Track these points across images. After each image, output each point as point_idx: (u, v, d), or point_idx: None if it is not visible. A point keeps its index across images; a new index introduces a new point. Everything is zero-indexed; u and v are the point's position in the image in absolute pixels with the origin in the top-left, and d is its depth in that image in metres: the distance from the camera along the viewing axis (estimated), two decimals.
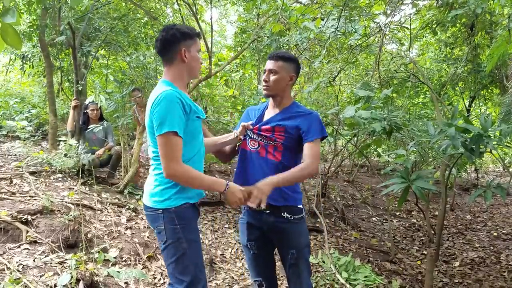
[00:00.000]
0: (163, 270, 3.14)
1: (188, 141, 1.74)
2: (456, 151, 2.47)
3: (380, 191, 7.54)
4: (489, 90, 7.80)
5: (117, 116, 5.16)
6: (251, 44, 5.61)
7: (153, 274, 3.08)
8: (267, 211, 1.98)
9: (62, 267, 2.64)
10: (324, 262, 3.60)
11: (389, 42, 6.26)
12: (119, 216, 3.82)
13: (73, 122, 4.87)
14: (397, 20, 5.41)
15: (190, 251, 1.75)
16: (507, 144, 2.67)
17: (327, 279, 3.32)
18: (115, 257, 3.05)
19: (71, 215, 3.20)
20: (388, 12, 4.49)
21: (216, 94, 7.13)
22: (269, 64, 2.02)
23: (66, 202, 3.55)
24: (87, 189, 4.19)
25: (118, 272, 2.59)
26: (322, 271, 3.56)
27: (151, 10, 5.77)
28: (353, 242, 5.02)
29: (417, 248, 5.25)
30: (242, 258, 3.88)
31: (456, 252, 5.28)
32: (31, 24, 5.62)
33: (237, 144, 2.18)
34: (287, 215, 1.97)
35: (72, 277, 2.42)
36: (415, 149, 3.97)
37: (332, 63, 5.45)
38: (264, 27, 5.34)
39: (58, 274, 2.53)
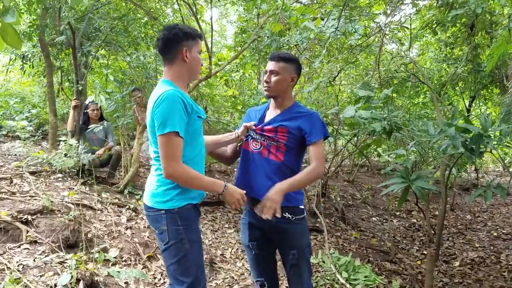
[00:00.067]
0: (163, 270, 3.14)
1: (189, 141, 1.74)
2: (456, 151, 2.47)
3: (380, 191, 7.55)
4: (489, 90, 7.80)
5: (117, 116, 5.16)
6: (251, 44, 5.61)
7: (153, 274, 3.08)
8: None
9: (62, 267, 2.64)
10: (324, 262, 3.60)
11: (389, 42, 6.26)
12: (119, 216, 3.82)
13: (73, 122, 4.87)
14: (397, 20, 5.42)
15: (192, 252, 1.75)
16: (507, 144, 2.67)
17: (327, 279, 3.32)
18: (115, 257, 3.05)
19: (71, 215, 3.20)
20: (388, 12, 4.49)
21: (216, 94, 7.13)
22: (270, 65, 2.02)
23: (66, 202, 3.56)
24: (87, 189, 4.19)
25: (118, 272, 2.59)
26: (322, 271, 3.56)
27: (151, 10, 5.77)
28: (353, 242, 5.02)
29: (417, 248, 5.25)
30: (242, 258, 3.88)
31: (456, 252, 5.28)
32: (31, 24, 5.62)
33: (239, 145, 2.18)
34: (289, 216, 1.97)
35: (72, 277, 2.42)
36: (415, 149, 3.97)
37: (332, 63, 5.45)
38: (264, 27, 5.34)
39: (58, 274, 2.53)
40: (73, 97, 5.12)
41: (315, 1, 5.08)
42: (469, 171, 9.15)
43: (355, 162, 9.02)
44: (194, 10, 5.27)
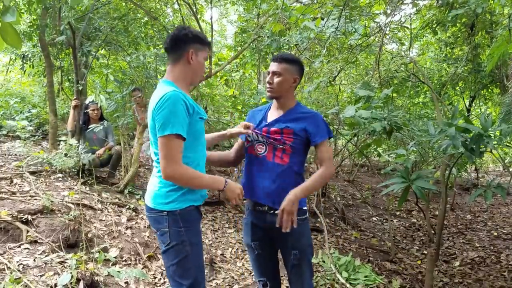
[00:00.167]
0: (163, 270, 3.14)
1: (191, 143, 1.74)
2: (456, 151, 2.47)
3: (380, 191, 7.55)
4: (489, 90, 7.79)
5: (117, 116, 5.17)
6: (251, 44, 5.62)
7: (153, 274, 3.09)
8: (271, 212, 1.99)
9: (62, 266, 2.64)
10: (324, 261, 3.60)
11: (389, 41, 6.26)
12: (119, 215, 3.82)
13: (73, 122, 4.87)
14: (397, 20, 5.41)
15: (192, 254, 1.74)
16: (507, 144, 2.67)
17: (327, 278, 3.32)
18: (115, 257, 3.05)
19: (71, 215, 3.20)
20: (388, 11, 4.48)
21: (216, 94, 7.13)
22: (273, 66, 2.02)
23: (66, 201, 3.56)
24: (87, 188, 4.19)
25: (119, 271, 2.59)
26: (322, 271, 3.56)
27: (151, 10, 5.77)
28: (353, 241, 5.03)
29: (417, 248, 5.25)
30: (242, 258, 3.88)
31: (456, 251, 5.28)
32: (31, 23, 5.62)
33: (244, 146, 2.18)
34: None
35: (72, 276, 2.42)
36: (415, 149, 3.97)
37: (332, 62, 5.45)
38: (264, 27, 5.34)
39: (59, 274, 2.54)
40: (73, 97, 5.12)
41: (315, 1, 5.08)
42: (469, 171, 9.16)
43: (355, 162, 9.02)
44: (194, 10, 5.27)
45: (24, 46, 6.72)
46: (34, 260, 2.66)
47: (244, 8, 6.84)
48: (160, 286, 2.94)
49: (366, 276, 3.36)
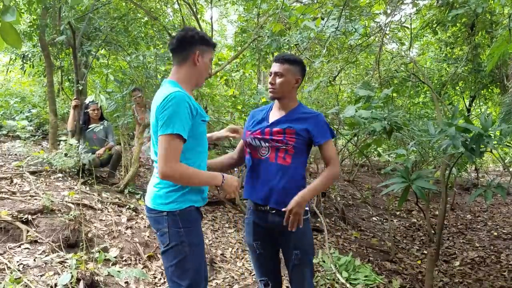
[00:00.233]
0: (164, 270, 3.14)
1: (193, 144, 1.74)
2: (457, 150, 2.47)
3: (380, 191, 7.54)
4: (489, 90, 7.79)
5: (117, 116, 5.17)
6: (251, 44, 5.62)
7: (153, 274, 3.09)
8: (273, 211, 2.00)
9: (62, 266, 2.64)
10: (324, 261, 3.60)
11: (389, 41, 6.26)
12: (119, 215, 3.82)
13: (73, 122, 4.87)
14: (397, 20, 5.41)
15: (191, 255, 1.73)
16: (508, 144, 2.66)
17: (327, 278, 3.32)
18: (115, 257, 3.05)
19: (71, 215, 3.20)
20: (389, 11, 4.48)
21: (216, 94, 7.13)
22: (275, 67, 2.03)
23: (66, 201, 3.56)
24: (87, 188, 4.19)
25: (119, 271, 2.59)
26: (323, 271, 3.56)
27: (151, 10, 5.77)
28: (353, 241, 5.03)
29: (418, 248, 5.25)
30: (242, 258, 3.88)
31: (456, 251, 5.28)
32: (31, 23, 5.62)
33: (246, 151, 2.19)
34: None
35: (72, 276, 2.42)
36: (415, 149, 3.97)
37: (332, 62, 5.45)
38: (264, 27, 5.34)
39: (59, 274, 2.54)
40: (73, 97, 5.12)
41: (315, 1, 5.08)
42: (469, 170, 9.16)
43: (355, 161, 9.02)
44: (194, 10, 5.28)
45: (24, 46, 6.72)
46: (34, 260, 2.66)
47: (244, 8, 6.84)
48: (160, 286, 2.94)
49: (366, 276, 3.36)
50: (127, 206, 4.04)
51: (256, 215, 2.08)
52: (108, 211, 3.80)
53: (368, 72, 6.84)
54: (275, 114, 2.09)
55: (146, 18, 5.88)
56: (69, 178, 4.32)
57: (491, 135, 2.33)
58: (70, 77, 6.73)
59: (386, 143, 6.92)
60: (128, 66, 5.51)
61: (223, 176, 1.80)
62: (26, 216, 3.06)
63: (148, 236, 3.58)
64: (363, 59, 6.78)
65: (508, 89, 5.56)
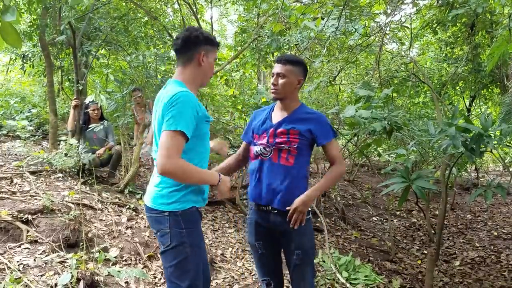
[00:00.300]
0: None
1: (196, 145, 1.74)
2: (457, 150, 2.47)
3: (380, 191, 7.54)
4: (489, 90, 7.79)
5: (118, 116, 5.17)
6: (251, 44, 5.62)
7: (153, 274, 3.09)
8: (275, 211, 2.01)
9: (62, 266, 2.64)
10: (324, 261, 3.60)
11: (389, 41, 6.26)
12: (119, 215, 3.82)
13: (73, 122, 4.87)
14: (397, 20, 5.40)
15: (192, 256, 1.73)
16: (508, 144, 2.66)
17: (327, 278, 3.32)
18: (115, 257, 3.05)
19: (71, 215, 3.20)
20: (389, 11, 4.48)
21: (216, 94, 7.13)
22: (277, 68, 2.04)
23: (66, 201, 3.56)
24: (87, 188, 4.19)
25: (119, 271, 2.59)
26: (323, 271, 3.56)
27: (151, 9, 5.77)
28: (353, 241, 5.03)
29: (418, 248, 5.25)
30: (242, 258, 3.88)
31: (456, 251, 5.28)
32: (31, 23, 5.62)
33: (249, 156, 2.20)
34: None
35: (72, 276, 2.42)
36: (415, 149, 3.97)
37: (332, 62, 5.45)
38: (264, 27, 5.34)
39: (59, 274, 2.54)
40: (73, 97, 5.12)
41: (315, 1, 5.08)
42: (469, 170, 9.15)
43: (356, 161, 9.01)
44: (195, 9, 5.28)
45: (24, 46, 6.72)
46: (34, 260, 2.66)
47: (244, 8, 6.84)
48: (160, 286, 2.94)
49: (366, 276, 3.36)
50: (127, 206, 4.04)
51: (258, 215, 2.08)
52: (108, 211, 3.80)
53: (368, 72, 6.84)
54: (277, 115, 2.10)
55: (146, 18, 5.89)
56: (69, 178, 4.32)
57: (491, 135, 2.33)
58: (70, 77, 6.73)
59: (386, 143, 6.92)
60: (128, 66, 5.51)
61: (219, 175, 1.80)
62: (26, 216, 3.06)
63: (148, 236, 3.58)
64: (363, 59, 6.78)
65: (508, 89, 5.56)
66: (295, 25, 4.94)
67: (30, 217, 3.08)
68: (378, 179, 7.84)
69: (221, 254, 3.83)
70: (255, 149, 2.09)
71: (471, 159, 2.35)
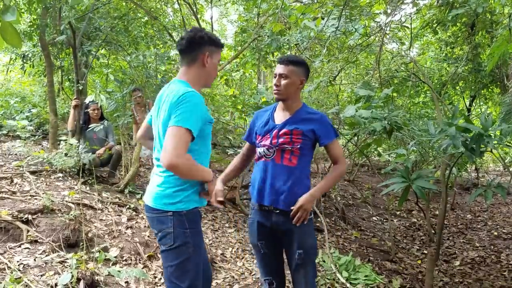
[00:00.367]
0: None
1: (199, 145, 1.75)
2: (457, 150, 2.47)
3: (380, 191, 7.54)
4: (489, 90, 7.79)
5: (118, 116, 5.17)
6: (251, 44, 5.62)
7: (153, 274, 3.09)
8: (277, 211, 2.01)
9: (62, 266, 2.65)
10: (324, 261, 3.60)
11: (389, 41, 6.26)
12: (119, 215, 3.82)
13: (73, 122, 4.87)
14: (397, 20, 5.40)
15: (194, 256, 1.73)
16: (508, 144, 2.67)
17: (327, 278, 3.32)
18: (115, 257, 3.05)
19: (71, 215, 3.20)
20: (389, 11, 4.48)
21: (216, 94, 7.14)
22: (280, 69, 2.04)
23: (66, 201, 3.56)
24: (87, 188, 4.19)
25: (119, 271, 2.59)
26: (323, 271, 3.56)
27: (152, 9, 5.77)
28: (353, 241, 5.03)
29: (418, 248, 5.25)
30: (242, 258, 3.88)
31: (456, 251, 5.28)
32: (31, 23, 5.62)
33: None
34: None
35: (72, 276, 2.42)
36: (415, 149, 3.97)
37: (332, 62, 5.45)
38: (264, 26, 5.34)
39: (59, 274, 2.54)
40: (73, 97, 5.12)
41: (315, 1, 5.08)
42: (469, 170, 9.15)
43: (356, 161, 9.01)
44: (195, 9, 5.28)
45: (24, 46, 6.72)
46: (35, 259, 2.66)
47: (244, 8, 6.84)
48: (160, 286, 2.94)
49: (366, 276, 3.36)
50: (127, 206, 4.04)
51: (261, 215, 2.08)
52: (108, 211, 3.80)
53: (368, 72, 6.84)
54: (279, 115, 2.10)
55: (146, 18, 5.89)
56: (69, 178, 4.32)
57: (491, 135, 2.33)
58: (70, 77, 6.73)
59: (386, 143, 6.92)
60: (128, 66, 5.51)
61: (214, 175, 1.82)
62: (26, 216, 3.06)
63: (148, 236, 3.58)
64: (363, 59, 6.78)
65: (508, 88, 5.56)
66: (295, 25, 4.94)
67: (30, 217, 3.08)
68: (378, 179, 7.85)
69: (221, 254, 3.83)
70: (258, 150, 2.10)
71: (471, 159, 2.35)
